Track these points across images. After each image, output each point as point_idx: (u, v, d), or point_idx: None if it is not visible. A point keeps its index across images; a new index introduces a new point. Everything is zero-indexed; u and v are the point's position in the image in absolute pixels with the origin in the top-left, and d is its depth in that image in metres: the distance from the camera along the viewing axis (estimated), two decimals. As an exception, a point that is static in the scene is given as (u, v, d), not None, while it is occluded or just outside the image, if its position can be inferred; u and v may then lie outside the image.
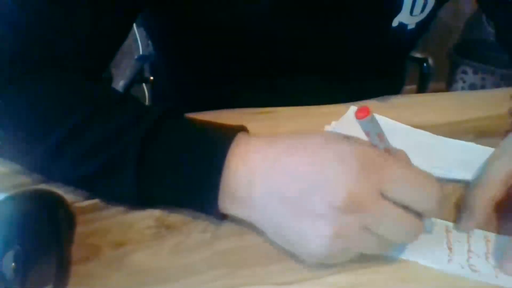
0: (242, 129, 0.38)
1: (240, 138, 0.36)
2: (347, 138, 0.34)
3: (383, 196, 0.32)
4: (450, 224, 0.39)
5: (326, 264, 0.35)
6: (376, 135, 0.33)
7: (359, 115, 0.32)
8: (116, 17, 0.48)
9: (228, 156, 0.35)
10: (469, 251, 0.37)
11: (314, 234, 0.32)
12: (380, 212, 0.32)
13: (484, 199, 0.38)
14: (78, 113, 0.39)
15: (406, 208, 0.32)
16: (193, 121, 0.40)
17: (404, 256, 0.36)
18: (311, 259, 0.34)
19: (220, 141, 0.36)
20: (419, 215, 0.33)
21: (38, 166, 0.42)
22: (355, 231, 0.32)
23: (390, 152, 0.34)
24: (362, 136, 0.36)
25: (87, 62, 0.47)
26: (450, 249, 0.37)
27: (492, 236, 0.38)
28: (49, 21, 0.44)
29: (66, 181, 0.41)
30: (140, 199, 0.38)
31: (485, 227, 0.39)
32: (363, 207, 0.31)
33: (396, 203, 0.32)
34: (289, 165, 0.34)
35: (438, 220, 0.39)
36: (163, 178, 0.37)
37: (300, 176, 0.33)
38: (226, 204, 0.36)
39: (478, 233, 0.38)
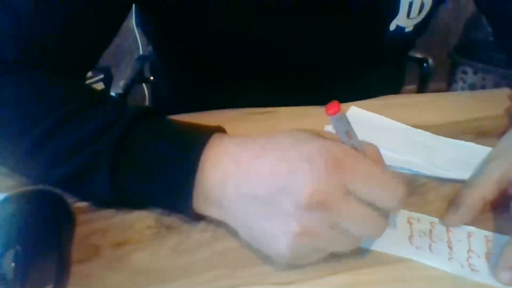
0: (218, 130, 0.38)
1: (214, 140, 0.37)
2: (317, 136, 0.34)
3: (349, 193, 0.32)
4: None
5: (325, 264, 0.35)
6: (345, 133, 0.33)
7: (329, 111, 0.32)
8: (103, 16, 0.48)
9: (202, 158, 0.36)
10: (469, 250, 0.37)
11: (281, 232, 0.32)
12: (346, 208, 0.32)
13: (474, 198, 0.39)
14: (54, 114, 0.39)
15: (371, 205, 0.33)
16: (168, 122, 0.40)
17: (405, 255, 0.36)
18: (280, 260, 0.34)
19: (195, 142, 0.36)
20: (386, 212, 0.34)
21: (14, 166, 0.43)
22: (322, 229, 0.32)
23: (358, 150, 0.34)
24: (363, 136, 0.36)
25: (70, 61, 0.47)
26: (450, 248, 0.37)
27: (492, 236, 0.38)
28: (30, 19, 0.44)
29: (42, 182, 0.41)
30: (115, 200, 0.38)
31: (472, 223, 0.39)
32: (329, 204, 0.31)
33: (361, 201, 0.32)
34: (259, 166, 0.34)
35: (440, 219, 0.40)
36: (138, 180, 0.37)
37: (268, 176, 0.33)
38: (200, 204, 0.37)
39: (478, 233, 0.38)
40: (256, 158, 0.35)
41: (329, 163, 0.32)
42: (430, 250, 0.37)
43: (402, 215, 0.40)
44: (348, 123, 0.33)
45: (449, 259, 0.36)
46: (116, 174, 0.37)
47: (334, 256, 0.36)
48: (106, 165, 0.36)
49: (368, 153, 0.34)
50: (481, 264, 0.36)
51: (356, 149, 0.34)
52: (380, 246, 0.37)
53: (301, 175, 0.32)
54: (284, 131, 0.36)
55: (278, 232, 0.33)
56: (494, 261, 0.36)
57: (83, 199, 0.41)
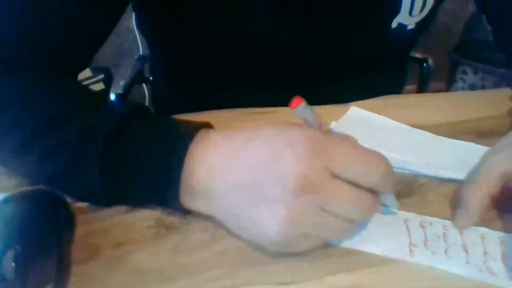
0: (206, 125, 0.39)
1: (201, 135, 0.37)
2: (298, 125, 0.35)
3: (333, 175, 0.33)
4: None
5: (325, 264, 0.35)
6: (314, 121, 0.35)
7: (293, 105, 0.34)
8: (98, 14, 0.48)
9: (188, 153, 0.36)
10: (485, 253, 0.36)
11: (270, 218, 0.33)
12: (332, 190, 0.33)
13: (480, 196, 0.38)
14: (46, 111, 0.40)
15: (358, 186, 0.33)
16: (157, 119, 0.40)
17: (422, 261, 0.36)
18: (272, 247, 0.35)
19: (181, 138, 0.37)
20: (373, 192, 0.34)
21: (5, 162, 0.43)
22: (310, 211, 0.33)
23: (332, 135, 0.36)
24: (363, 136, 0.36)
25: (63, 60, 0.47)
26: (466, 251, 0.37)
27: (506, 237, 0.38)
28: (24, 18, 0.44)
29: (34, 179, 0.41)
30: (105, 197, 0.39)
31: (482, 223, 0.38)
32: (315, 187, 0.32)
33: (346, 181, 0.33)
34: (244, 156, 0.35)
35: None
36: (127, 176, 0.38)
37: (253, 164, 0.34)
38: (188, 199, 0.37)
39: (492, 234, 0.38)
40: (241, 148, 0.35)
41: (310, 147, 0.33)
42: (447, 254, 0.36)
43: (414, 219, 0.39)
44: (313, 112, 0.35)
45: (466, 263, 0.36)
46: (106, 170, 0.37)
47: (334, 256, 0.36)
48: (97, 162, 0.37)
49: (346, 139, 0.35)
50: (499, 266, 0.35)
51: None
52: (395, 252, 0.37)
53: (285, 161, 0.33)
54: (267, 124, 0.37)
55: (267, 218, 0.33)
56: (511, 262, 0.35)
57: (74, 197, 0.41)
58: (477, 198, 0.38)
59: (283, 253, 0.35)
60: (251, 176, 0.34)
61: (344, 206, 0.33)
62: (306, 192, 0.32)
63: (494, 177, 0.38)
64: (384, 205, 0.39)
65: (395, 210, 0.40)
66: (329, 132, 0.36)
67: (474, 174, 0.40)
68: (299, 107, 0.35)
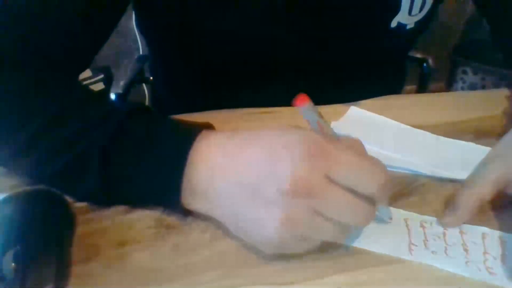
0: (207, 126, 0.39)
1: (202, 135, 0.37)
2: (300, 128, 0.35)
3: (331, 180, 0.33)
4: (464, 225, 0.39)
5: (325, 264, 0.35)
6: (316, 123, 0.35)
7: (296, 103, 0.34)
8: (97, 15, 0.48)
9: (190, 153, 0.36)
10: (484, 253, 0.36)
11: (267, 220, 0.33)
12: (328, 195, 0.32)
13: (471, 199, 0.39)
14: (47, 111, 0.40)
15: (355, 192, 0.33)
16: (158, 119, 0.40)
17: (421, 260, 0.36)
18: (268, 248, 0.35)
19: (183, 138, 0.37)
20: (371, 200, 0.34)
21: (5, 162, 0.43)
22: (306, 215, 0.32)
23: (334, 139, 0.35)
24: (363, 136, 0.36)
25: (62, 60, 0.47)
26: (466, 251, 0.37)
27: (505, 237, 0.38)
28: (24, 16, 0.45)
29: (34, 178, 0.41)
30: (105, 198, 0.39)
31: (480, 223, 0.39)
32: (311, 190, 0.32)
33: (343, 187, 0.33)
34: (245, 155, 0.35)
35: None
36: (127, 176, 0.38)
37: (253, 164, 0.34)
38: (188, 199, 0.37)
39: (492, 234, 0.38)
40: (243, 148, 0.35)
41: (310, 151, 0.33)
42: (446, 254, 0.36)
43: (414, 219, 0.39)
44: (318, 114, 0.35)
45: (466, 262, 0.36)
46: (107, 171, 0.37)
47: (333, 256, 0.36)
48: (97, 162, 0.37)
49: (351, 144, 0.35)
50: (498, 266, 0.35)
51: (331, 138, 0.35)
52: (395, 251, 0.37)
53: (282, 162, 0.33)
54: (271, 125, 0.37)
55: (263, 219, 0.33)
56: (510, 262, 0.35)
57: (74, 197, 0.41)
58: (467, 200, 0.39)
59: (280, 255, 0.35)
60: (249, 177, 0.34)
61: (339, 212, 0.33)
62: (301, 195, 0.32)
63: (488, 183, 0.39)
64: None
65: (397, 211, 0.40)
66: (333, 136, 0.35)
67: (470, 179, 0.40)
68: (302, 107, 0.34)
